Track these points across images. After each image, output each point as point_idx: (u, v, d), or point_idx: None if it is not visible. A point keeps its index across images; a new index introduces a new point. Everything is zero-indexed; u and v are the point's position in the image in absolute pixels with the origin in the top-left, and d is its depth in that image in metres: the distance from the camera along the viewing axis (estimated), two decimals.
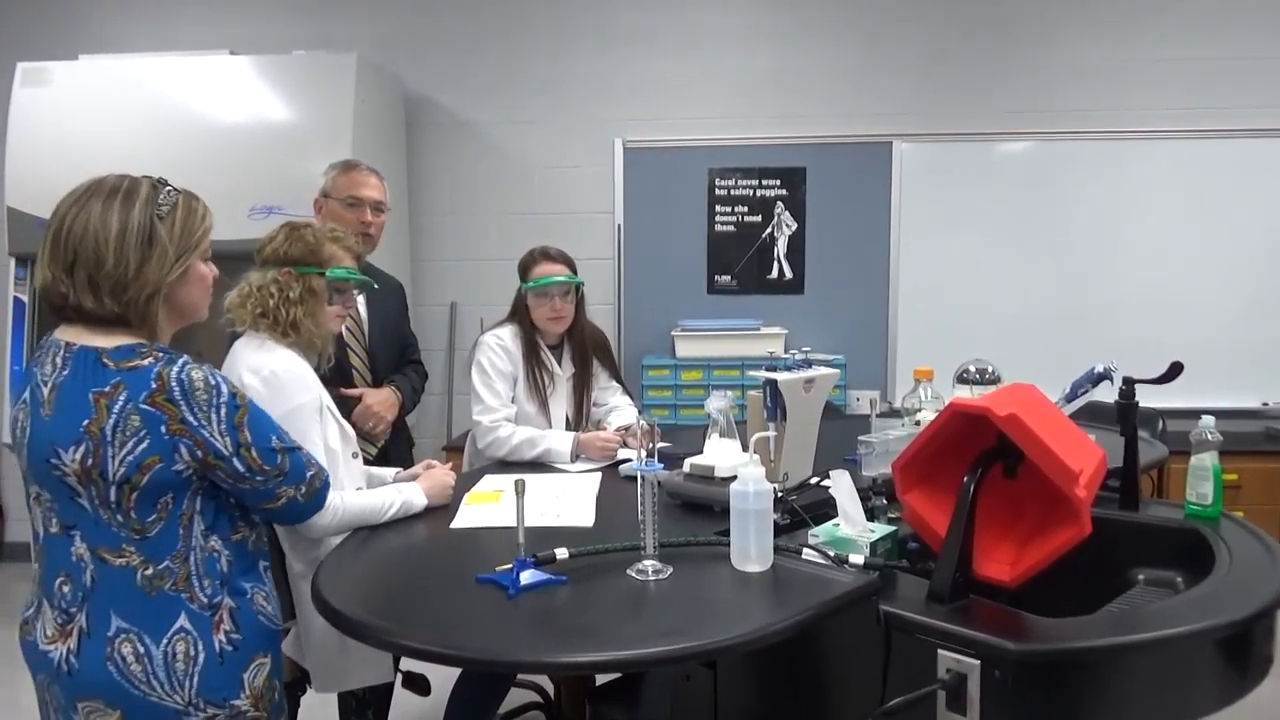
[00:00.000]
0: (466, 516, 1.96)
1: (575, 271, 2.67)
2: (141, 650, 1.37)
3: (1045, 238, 4.16)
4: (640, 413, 2.83)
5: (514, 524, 1.90)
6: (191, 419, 1.37)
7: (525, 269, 2.66)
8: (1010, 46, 4.23)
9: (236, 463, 1.42)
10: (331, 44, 4.16)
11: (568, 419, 2.72)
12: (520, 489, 1.60)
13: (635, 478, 2.25)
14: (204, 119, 3.80)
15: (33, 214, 3.77)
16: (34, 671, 1.46)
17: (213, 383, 1.40)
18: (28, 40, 4.29)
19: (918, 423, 2.49)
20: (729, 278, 4.32)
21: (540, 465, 2.49)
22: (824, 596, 1.48)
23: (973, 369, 2.70)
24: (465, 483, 2.27)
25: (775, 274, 4.30)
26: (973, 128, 4.20)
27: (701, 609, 1.49)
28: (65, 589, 1.40)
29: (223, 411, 1.40)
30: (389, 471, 2.17)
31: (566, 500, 2.07)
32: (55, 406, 1.37)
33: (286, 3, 4.40)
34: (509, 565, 1.56)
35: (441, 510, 2.02)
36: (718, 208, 4.30)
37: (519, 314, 2.67)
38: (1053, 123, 4.17)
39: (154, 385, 1.35)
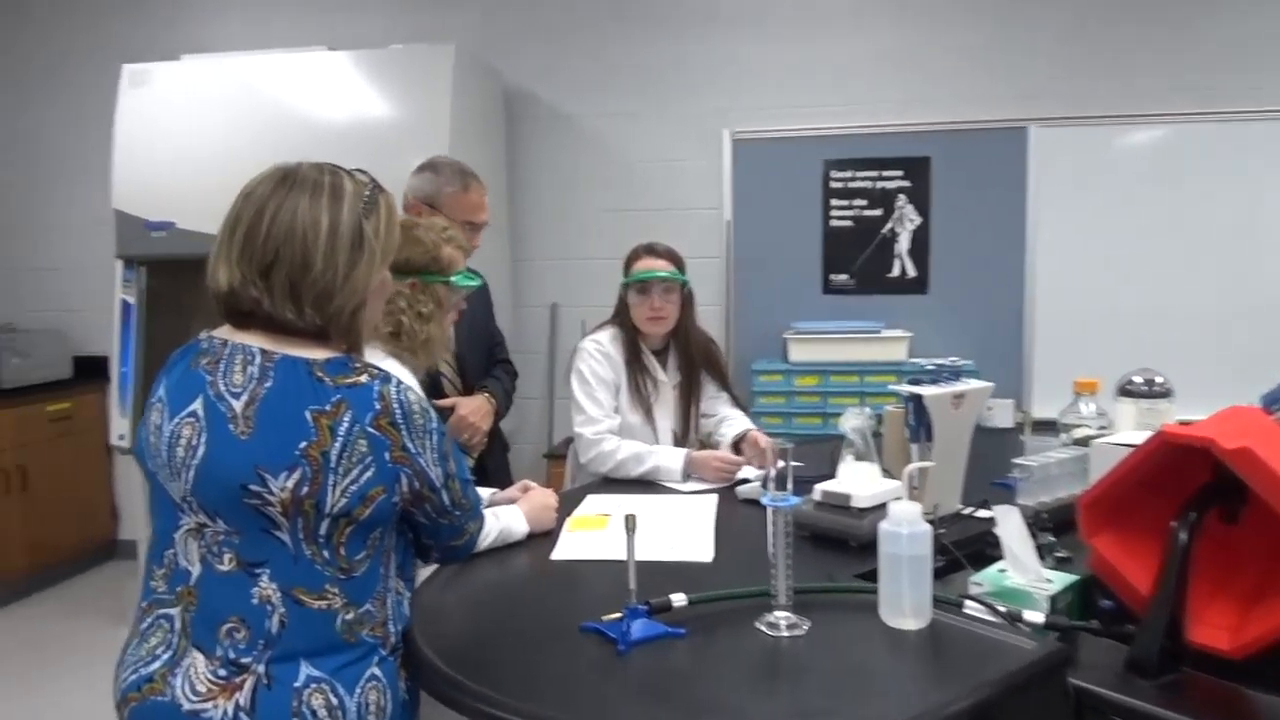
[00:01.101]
0: (569, 546, 1.76)
1: (683, 270, 2.45)
2: (335, 702, 1.19)
3: (1206, 229, 3.71)
4: (757, 427, 2.59)
5: (621, 556, 1.70)
6: (411, 446, 1.21)
7: (627, 264, 2.45)
8: (1161, 16, 3.81)
9: (444, 495, 1.28)
10: (430, 37, 4.03)
11: (674, 431, 2.50)
12: (631, 525, 1.38)
13: (756, 501, 2.05)
14: (302, 115, 3.72)
15: (140, 216, 3.77)
16: None
17: (424, 406, 1.24)
18: (133, 42, 4.30)
19: (1077, 442, 2.18)
20: (846, 276, 4.02)
21: (648, 484, 2.27)
22: (1003, 667, 1.22)
23: (1139, 380, 2.37)
24: (566, 503, 2.06)
25: (897, 272, 3.98)
26: (1119, 109, 3.79)
27: (849, 680, 1.24)
28: (238, 635, 1.18)
29: (434, 439, 1.25)
30: (485, 493, 1.98)
31: (681, 528, 1.84)
32: (258, 425, 1.17)
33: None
34: (619, 615, 1.34)
35: (542, 537, 1.82)
36: (833, 202, 4.00)
37: (622, 315, 2.46)
38: (1210, 101, 3.73)
39: (378, 406, 1.18)
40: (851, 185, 3.99)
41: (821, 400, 3.70)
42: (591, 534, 1.81)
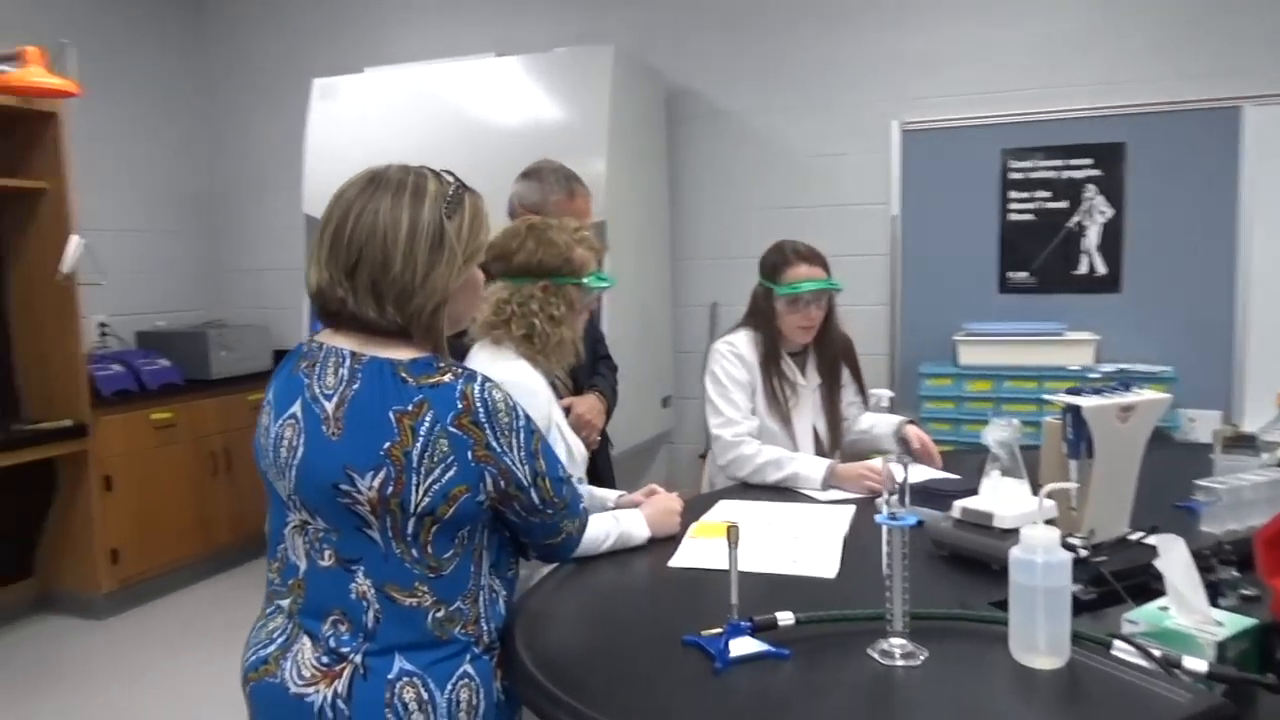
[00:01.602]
0: (689, 553, 1.70)
1: (830, 272, 2.33)
2: (425, 697, 1.21)
3: None
4: (913, 421, 2.44)
5: (748, 567, 1.63)
6: (495, 445, 1.22)
7: (774, 270, 2.35)
8: None
9: (534, 494, 1.27)
10: (594, 39, 4.07)
11: (816, 435, 2.39)
12: (734, 537, 1.31)
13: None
14: (473, 119, 3.85)
15: None
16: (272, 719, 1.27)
17: (511, 404, 1.25)
18: (323, 58, 4.60)
19: None
20: (1026, 274, 3.73)
21: (785, 491, 2.18)
22: None
23: None
24: (698, 507, 2.01)
25: (1084, 269, 3.65)
26: None
27: None
28: (341, 627, 1.23)
29: (522, 437, 1.25)
30: (611, 494, 1.96)
31: (807, 541, 1.75)
32: (346, 425, 1.20)
33: (552, 2, 4.38)
34: (720, 630, 1.28)
35: (665, 543, 1.77)
36: (1012, 194, 3.73)
37: (758, 317, 2.38)
38: None
39: (460, 405, 1.20)
40: (1033, 176, 3.70)
41: (994, 407, 3.45)
42: (714, 542, 1.74)
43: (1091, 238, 3.64)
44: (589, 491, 1.96)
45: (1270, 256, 3.41)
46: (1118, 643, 1.23)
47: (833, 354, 2.41)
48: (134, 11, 4.72)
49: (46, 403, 3.85)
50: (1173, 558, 1.29)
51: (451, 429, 1.19)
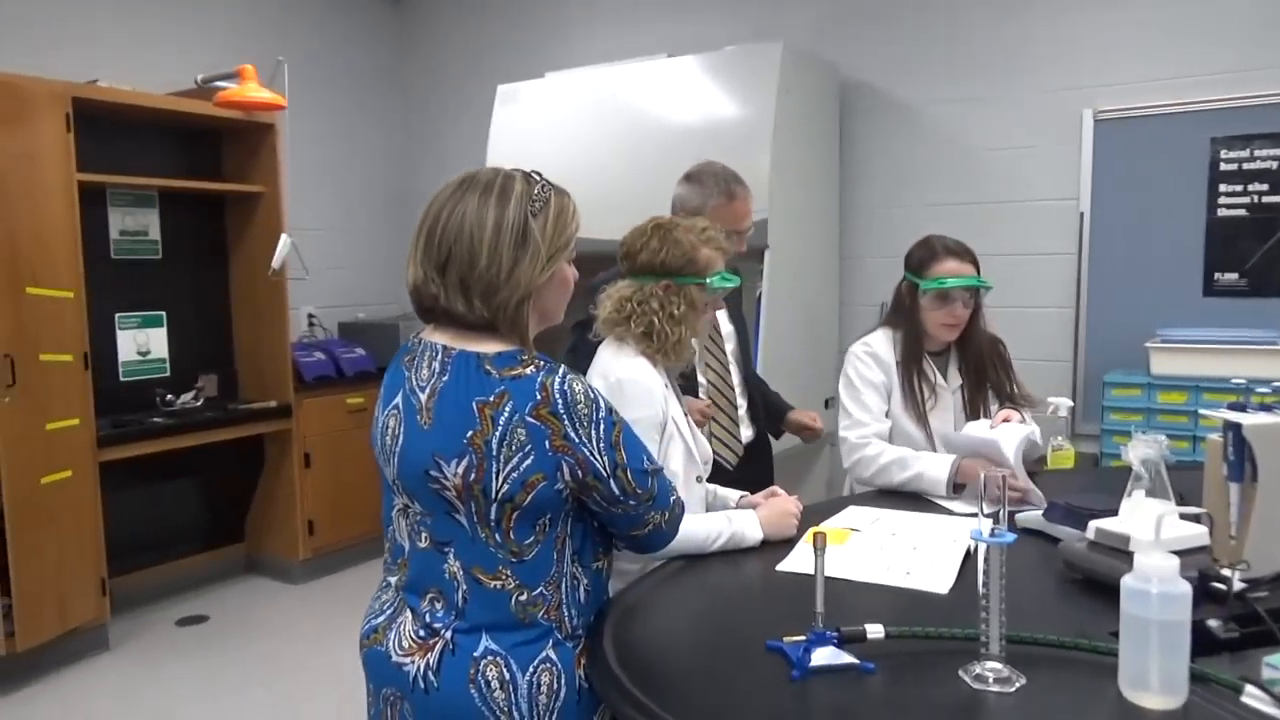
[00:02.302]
0: (801, 558, 1.67)
1: (979, 270, 2.21)
2: (507, 676, 1.27)
3: None
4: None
5: (856, 575, 1.59)
6: (573, 435, 1.26)
7: (921, 264, 2.26)
8: None
9: (613, 485, 1.30)
10: (767, 35, 4.04)
11: None
12: (820, 545, 1.28)
13: (1034, 531, 1.81)
14: (645, 121, 3.90)
15: None
16: (378, 685, 1.37)
17: (592, 396, 1.29)
18: (508, 64, 4.82)
19: None
20: (1236, 275, 3.36)
21: (919, 500, 2.09)
22: None
23: None
24: (825, 511, 1.97)
25: None
26: None
27: None
28: (437, 605, 1.31)
29: (602, 429, 1.28)
30: (733, 494, 1.95)
31: (926, 552, 1.67)
32: (435, 415, 1.28)
33: (725, 2, 4.38)
34: (802, 637, 1.26)
35: (779, 546, 1.75)
36: (1222, 186, 3.37)
37: (900, 313, 2.29)
38: None
39: (538, 396, 1.25)
40: (1248, 167, 3.33)
41: (1189, 421, 3.14)
42: (831, 548, 1.70)
43: None
44: (713, 491, 1.97)
45: None
46: (1250, 688, 1.11)
47: (978, 355, 2.29)
48: (340, 28, 5.14)
49: (259, 385, 4.28)
50: None
51: (529, 419, 1.24)
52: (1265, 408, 1.51)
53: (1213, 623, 1.29)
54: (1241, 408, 1.52)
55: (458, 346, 1.31)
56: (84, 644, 3.47)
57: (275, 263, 3.99)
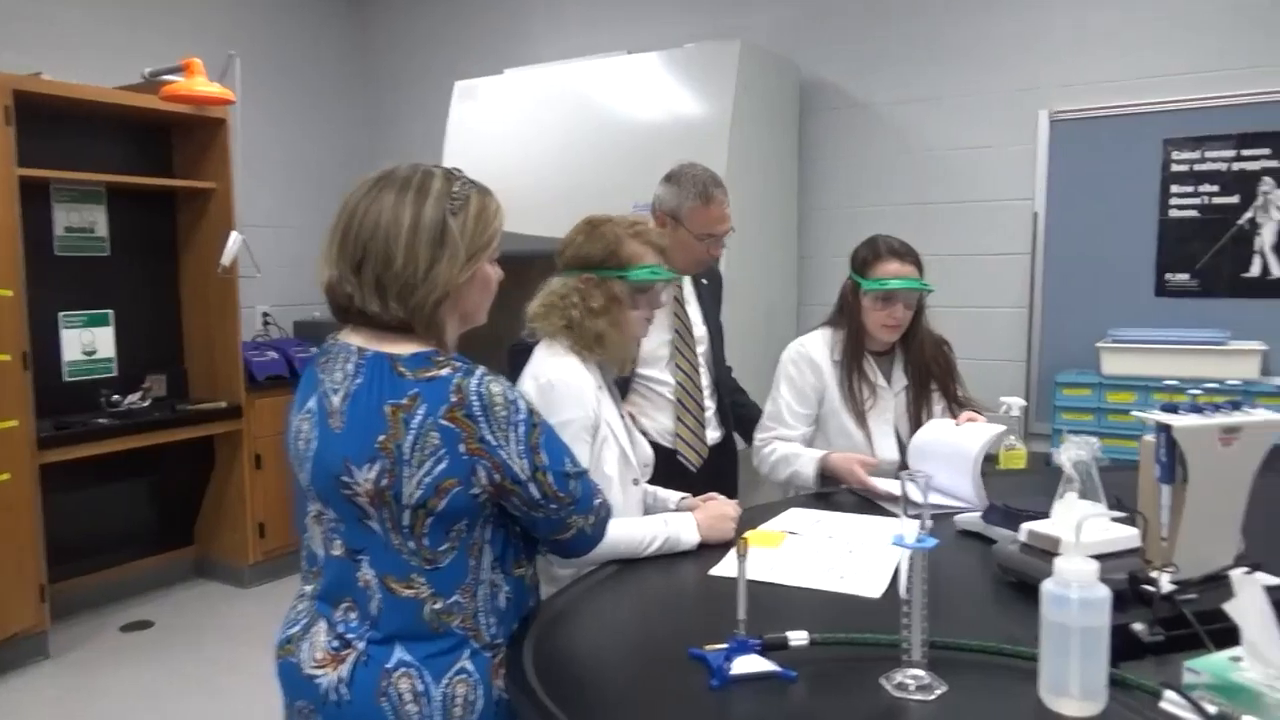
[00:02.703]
0: (734, 562, 1.64)
1: (922, 271, 2.21)
2: (420, 689, 1.23)
3: None
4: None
5: (790, 580, 1.57)
6: (490, 438, 1.22)
7: (865, 264, 2.25)
8: None
9: (532, 488, 1.26)
10: (729, 33, 4.02)
11: (899, 439, 2.28)
12: (743, 551, 1.25)
13: (972, 533, 1.79)
14: (604, 118, 3.88)
15: None
16: (291, 697, 1.33)
17: (510, 398, 1.25)
18: (468, 61, 4.77)
19: None
20: (1187, 276, 3.39)
21: (867, 503, 2.07)
22: None
23: None
24: (767, 514, 1.95)
25: (1256, 271, 3.28)
26: None
27: None
28: (351, 615, 1.27)
29: (520, 430, 1.24)
30: (673, 496, 1.92)
31: (861, 556, 1.65)
32: (347, 419, 1.24)
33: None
34: (725, 644, 1.23)
35: (717, 549, 1.72)
36: (1174, 187, 3.39)
37: (844, 313, 2.29)
38: None
39: (452, 399, 1.21)
40: (1199, 168, 3.36)
41: (1139, 421, 3.15)
42: (764, 552, 1.68)
43: (1266, 236, 3.27)
44: (653, 493, 1.94)
45: None
46: (1169, 694, 1.09)
47: (921, 357, 2.28)
48: (295, 21, 5.07)
49: (209, 385, 4.20)
50: (1248, 597, 1.13)
51: (442, 422, 1.20)
52: (1196, 409, 1.50)
53: (1138, 626, 1.28)
54: (1174, 409, 1.51)
55: (372, 348, 1.27)
56: (22, 652, 3.38)
57: (225, 260, 3.91)
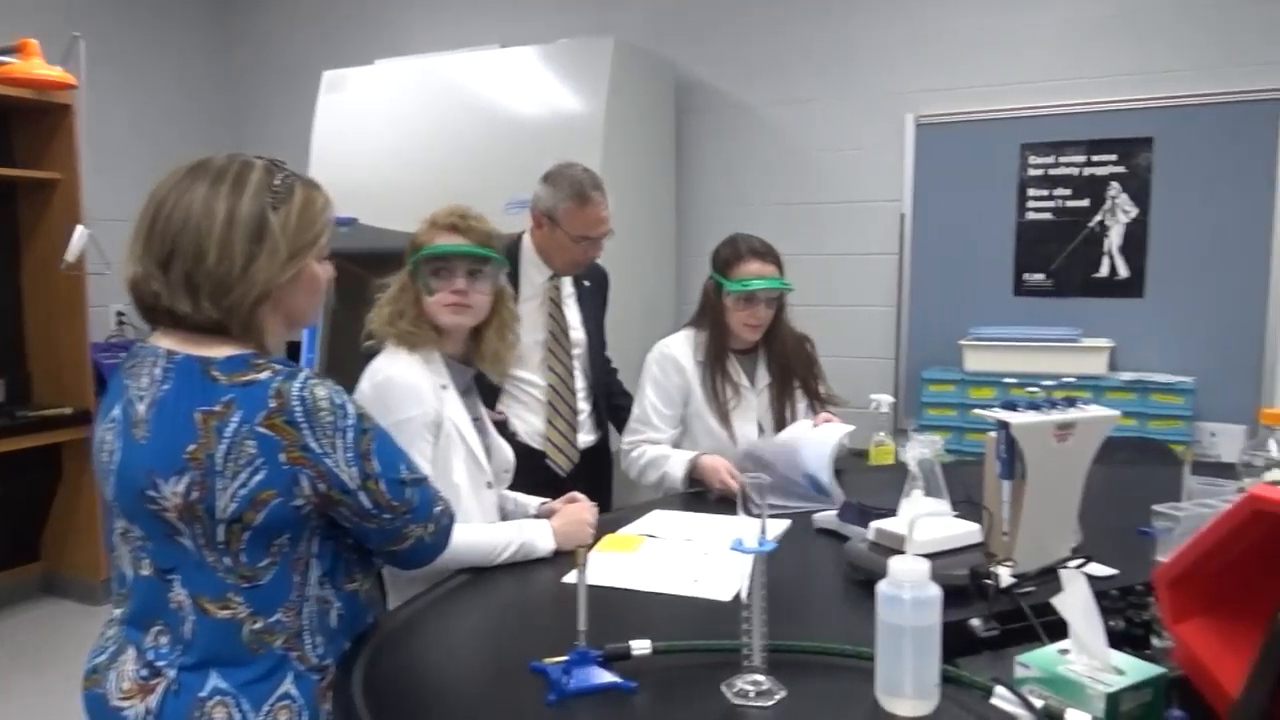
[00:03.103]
0: (591, 569, 1.60)
1: (783, 271, 2.23)
2: (238, 718, 1.15)
3: None
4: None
5: (644, 586, 1.54)
6: (313, 445, 1.14)
7: (726, 264, 2.26)
8: None
9: (363, 498, 1.18)
10: (604, 29, 3.98)
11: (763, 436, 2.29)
12: (583, 560, 1.21)
13: (830, 531, 1.81)
14: (477, 113, 3.79)
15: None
16: None
17: (338, 402, 1.17)
18: (338, 51, 4.60)
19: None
20: (1043, 276, 3.53)
21: (731, 505, 2.07)
22: None
23: None
24: (630, 517, 1.92)
25: (1105, 271, 3.44)
26: None
27: None
28: (162, 640, 1.18)
29: (348, 437, 1.17)
30: (533, 501, 1.88)
31: (717, 558, 1.64)
32: (152, 428, 1.15)
33: None
34: (565, 657, 1.19)
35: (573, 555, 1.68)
36: (1031, 191, 3.53)
37: (706, 312, 2.30)
38: None
39: (271, 404, 1.13)
40: (1053, 173, 3.50)
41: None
42: (621, 556, 1.65)
43: (1114, 238, 3.43)
44: (512, 499, 1.89)
45: None
46: (999, 689, 1.11)
47: (784, 354, 2.31)
48: (151, 2, 4.78)
49: (55, 390, 3.92)
50: (1074, 592, 1.16)
51: (260, 429, 1.12)
52: (1034, 406, 1.54)
53: (975, 621, 1.30)
54: (1013, 406, 1.55)
55: (183, 351, 1.18)
56: None
57: (69, 256, 3.65)
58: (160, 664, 1.17)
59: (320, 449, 1.15)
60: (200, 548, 1.15)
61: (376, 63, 4.14)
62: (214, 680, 1.15)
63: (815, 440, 2.04)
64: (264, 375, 1.15)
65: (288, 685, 1.18)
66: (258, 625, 1.17)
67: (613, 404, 2.61)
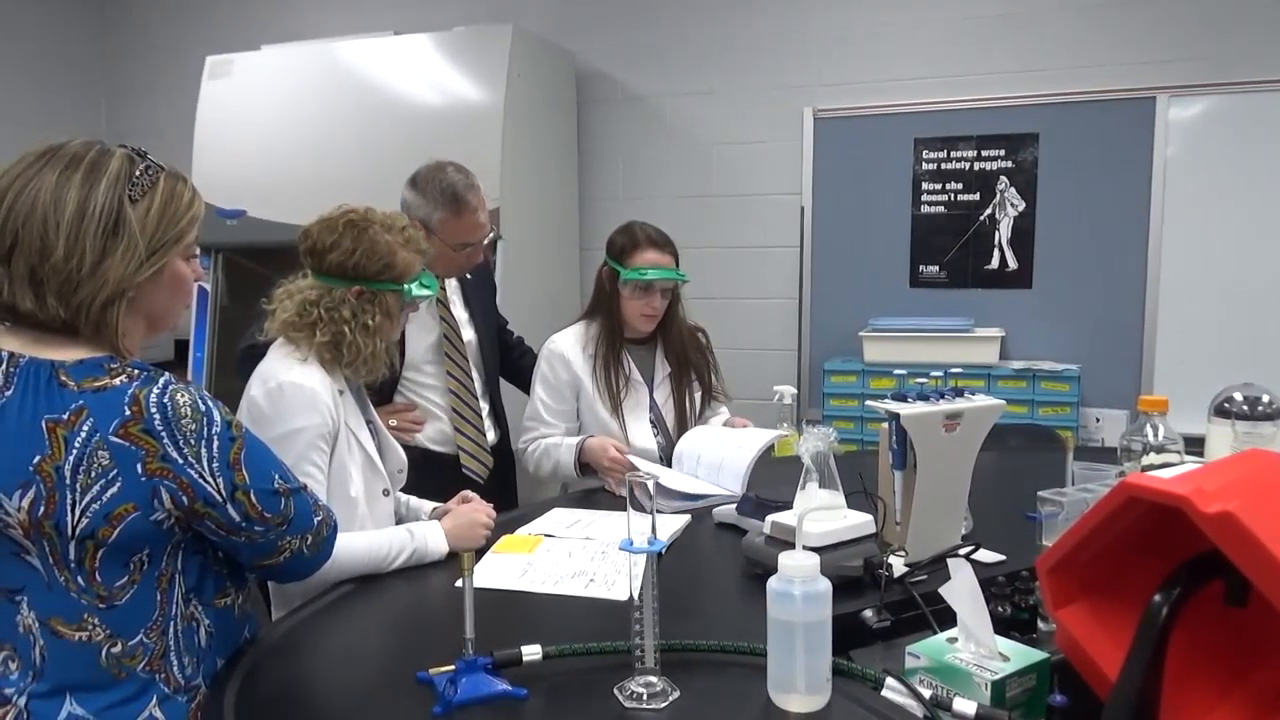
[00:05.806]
0: (483, 572, 1.56)
1: (679, 261, 2.22)
2: None
3: None
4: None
5: (539, 588, 1.51)
6: (175, 456, 1.07)
7: (623, 252, 2.23)
8: None
9: (231, 510, 1.11)
10: (501, 17, 3.90)
11: (665, 428, 2.30)
12: (469, 565, 1.17)
13: (730, 525, 1.80)
14: (370, 101, 3.66)
15: (215, 205, 3.83)
16: None
17: (202, 409, 1.09)
18: (219, 34, 4.40)
19: (1142, 469, 1.80)
20: (937, 268, 3.62)
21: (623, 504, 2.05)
22: None
23: (1239, 398, 1.94)
24: (530, 516, 1.88)
25: (995, 263, 3.54)
26: (1271, 74, 3.22)
27: None
28: (11, 665, 1.11)
29: (215, 446, 1.09)
30: (426, 504, 1.82)
31: (613, 558, 1.61)
32: None
33: None
34: (451, 666, 1.15)
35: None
36: (925, 185, 3.61)
37: (600, 301, 2.28)
38: None
39: (128, 412, 1.05)
40: (945, 167, 3.59)
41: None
42: (516, 558, 1.61)
43: (1004, 231, 3.53)
44: (405, 502, 1.83)
45: (1183, 254, 3.31)
46: (890, 681, 1.11)
47: (680, 345, 2.31)
48: None
49: None
50: (959, 580, 1.17)
51: (114, 439, 1.05)
52: (924, 396, 1.56)
53: (868, 613, 1.31)
54: (904, 397, 1.57)
55: (29, 353, 1.09)
56: None
57: None
58: (9, 691, 1.09)
59: (183, 459, 1.07)
60: (50, 567, 1.07)
61: (264, 48, 3.97)
62: (69, 707, 1.08)
63: (733, 462, 2.06)
64: (119, 381, 1.07)
65: (153, 709, 1.11)
66: (117, 648, 1.09)
67: (520, 364, 2.65)
